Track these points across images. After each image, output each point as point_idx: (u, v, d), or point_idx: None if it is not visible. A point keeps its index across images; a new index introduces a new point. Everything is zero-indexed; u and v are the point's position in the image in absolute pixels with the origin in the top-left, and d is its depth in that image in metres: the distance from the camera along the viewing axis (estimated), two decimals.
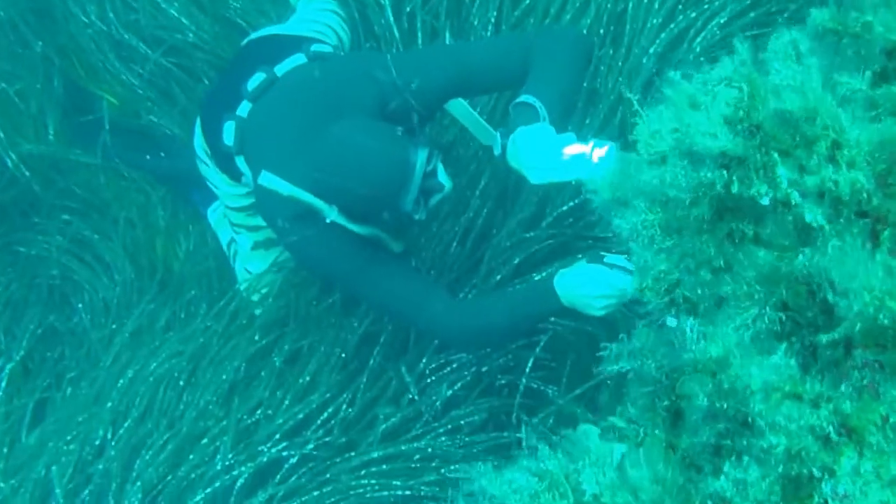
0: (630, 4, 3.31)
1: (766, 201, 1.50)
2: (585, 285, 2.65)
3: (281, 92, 3.02)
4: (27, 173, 3.80)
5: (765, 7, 3.24)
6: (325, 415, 3.18)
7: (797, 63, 1.51)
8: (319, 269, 3.14)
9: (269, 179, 2.86)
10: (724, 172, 1.51)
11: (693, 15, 3.25)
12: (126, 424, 3.25)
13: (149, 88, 3.86)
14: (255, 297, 3.42)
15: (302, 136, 2.86)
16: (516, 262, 3.25)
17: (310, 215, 2.83)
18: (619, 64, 3.27)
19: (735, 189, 1.51)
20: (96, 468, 3.17)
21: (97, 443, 3.23)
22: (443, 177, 2.83)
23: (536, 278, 3.18)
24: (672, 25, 3.27)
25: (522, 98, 2.71)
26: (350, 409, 3.18)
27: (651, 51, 3.26)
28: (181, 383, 3.31)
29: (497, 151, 2.77)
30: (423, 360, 3.20)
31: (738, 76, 1.51)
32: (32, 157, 3.82)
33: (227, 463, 3.08)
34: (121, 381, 3.32)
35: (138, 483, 3.10)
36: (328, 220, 2.79)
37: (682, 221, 1.59)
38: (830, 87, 1.58)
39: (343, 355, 3.26)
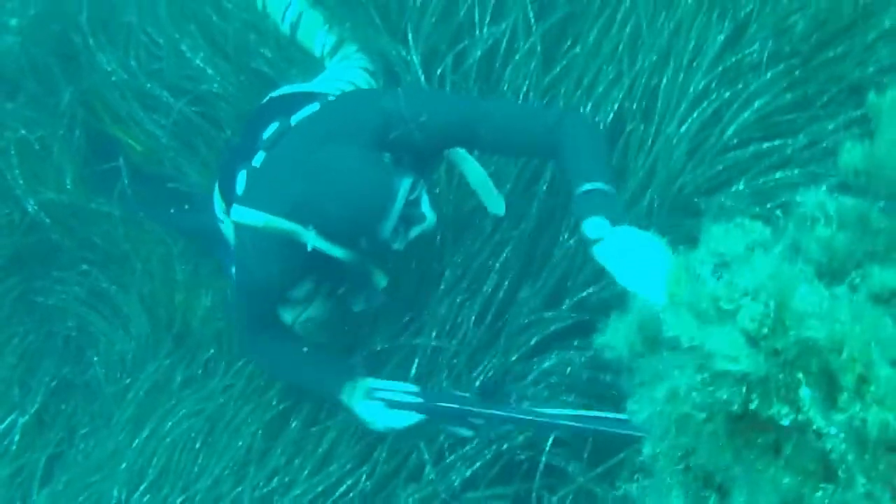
0: (665, 79, 3.26)
1: (786, 422, 1.43)
2: (361, 414, 2.92)
3: (290, 137, 3.00)
4: (47, 220, 3.78)
5: (801, 89, 3.19)
6: (344, 487, 3.14)
7: (825, 288, 1.44)
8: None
9: (241, 213, 2.86)
10: (743, 389, 1.44)
11: (727, 95, 3.20)
12: (142, 487, 3.23)
13: (172, 138, 3.82)
14: None
15: (292, 165, 2.85)
16: (533, 342, 3.21)
17: (287, 246, 2.82)
18: (650, 142, 3.22)
19: (754, 407, 1.44)
20: None
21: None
22: (426, 208, 2.84)
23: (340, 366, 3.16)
24: (705, 104, 3.21)
25: (597, 186, 2.66)
26: (368, 483, 3.14)
27: (683, 130, 3.20)
28: (197, 445, 3.29)
29: (500, 213, 2.93)
30: (442, 437, 3.15)
31: (765, 291, 1.43)
32: (53, 205, 3.80)
33: None
34: (136, 440, 3.30)
35: None
36: (309, 248, 2.77)
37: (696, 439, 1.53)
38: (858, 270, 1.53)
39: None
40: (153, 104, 3.85)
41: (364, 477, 3.15)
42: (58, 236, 3.81)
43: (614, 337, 1.80)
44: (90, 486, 3.24)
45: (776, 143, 3.16)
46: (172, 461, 3.24)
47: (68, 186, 3.80)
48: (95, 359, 3.64)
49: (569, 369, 3.13)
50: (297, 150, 2.92)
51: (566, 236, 3.23)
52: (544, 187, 3.28)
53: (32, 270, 3.84)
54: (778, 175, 3.12)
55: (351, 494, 3.14)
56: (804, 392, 1.40)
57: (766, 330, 1.40)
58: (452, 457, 3.10)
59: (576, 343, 3.16)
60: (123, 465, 3.26)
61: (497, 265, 3.28)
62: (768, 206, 3.02)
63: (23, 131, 3.79)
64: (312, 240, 2.76)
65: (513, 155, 3.26)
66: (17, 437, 3.48)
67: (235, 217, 2.87)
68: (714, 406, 1.44)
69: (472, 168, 3.13)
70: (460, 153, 3.12)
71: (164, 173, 3.84)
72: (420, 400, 2.89)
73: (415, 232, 2.86)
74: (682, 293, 1.59)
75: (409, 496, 3.05)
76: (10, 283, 3.79)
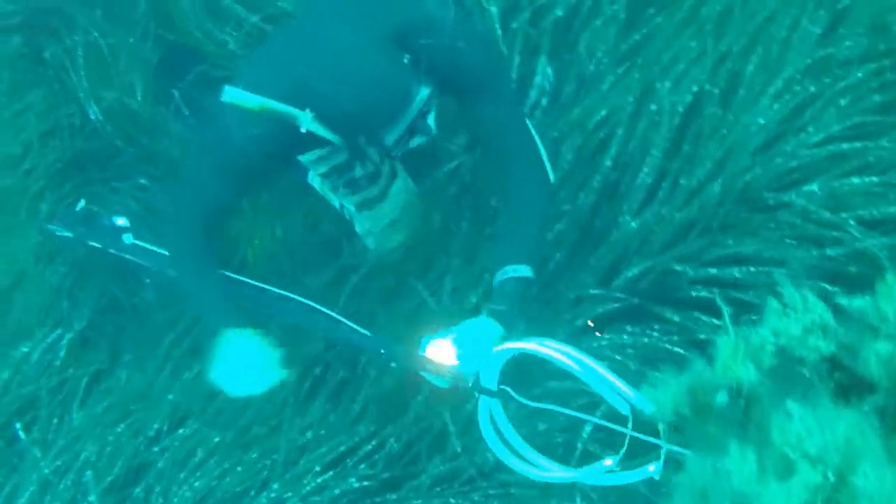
0: (750, 65, 3.12)
1: None
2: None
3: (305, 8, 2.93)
4: (108, 127, 3.75)
5: (891, 92, 3.03)
6: (371, 447, 3.15)
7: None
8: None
9: (233, 94, 2.56)
10: None
11: (812, 90, 3.06)
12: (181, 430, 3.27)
13: (241, 46, 3.70)
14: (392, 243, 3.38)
15: (301, 42, 2.68)
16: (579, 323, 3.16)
17: (279, 130, 2.61)
18: (725, 130, 3.11)
19: None
20: (153, 463, 3.19)
21: (151, 434, 3.24)
22: (432, 121, 2.72)
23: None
24: (788, 97, 3.08)
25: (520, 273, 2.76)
26: (396, 444, 3.15)
27: (762, 121, 3.08)
28: None
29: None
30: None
31: (829, 459, 1.36)
32: (116, 112, 3.74)
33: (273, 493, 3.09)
34: (185, 374, 3.31)
35: (186, 491, 3.11)
36: (303, 130, 2.54)
37: None
38: None
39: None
40: (225, 17, 3.76)
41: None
42: (120, 143, 3.76)
43: (664, 394, 1.77)
44: (130, 415, 3.27)
45: (857, 145, 3.02)
46: (214, 401, 3.25)
47: (138, 98, 3.74)
48: (147, 281, 3.59)
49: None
50: (308, 24, 2.76)
51: (627, 218, 3.15)
52: (608, 162, 3.19)
53: (90, 176, 3.80)
54: (855, 180, 3.00)
55: (377, 456, 3.15)
56: None
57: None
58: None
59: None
60: (170, 397, 3.28)
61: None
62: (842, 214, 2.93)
63: (95, 33, 3.74)
64: (308, 123, 2.54)
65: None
66: (62, 353, 3.49)
67: (226, 97, 2.56)
68: None
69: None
70: None
71: None
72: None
73: (416, 142, 2.73)
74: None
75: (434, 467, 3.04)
76: (66, 188, 3.77)
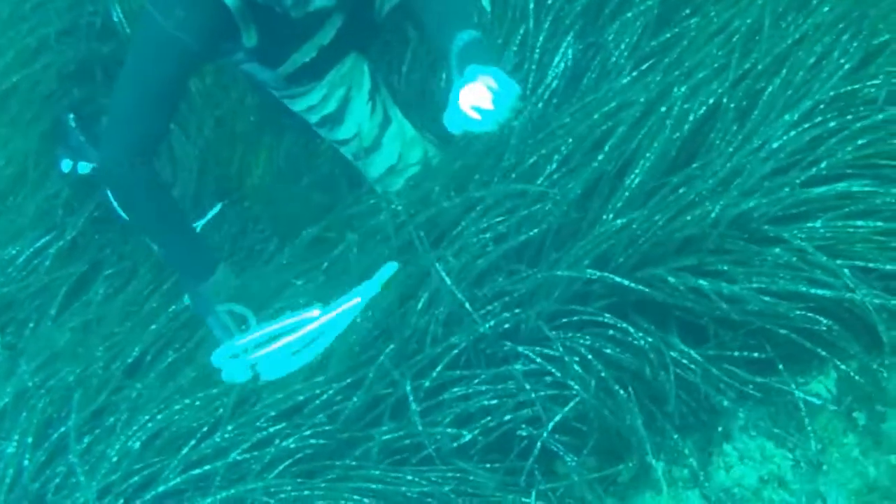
0: (770, 87, 3.01)
1: None
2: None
3: None
4: (127, 30, 3.68)
5: None
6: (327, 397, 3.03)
7: None
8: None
9: None
10: None
11: (832, 125, 2.94)
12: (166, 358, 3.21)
13: None
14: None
15: None
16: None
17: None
18: (731, 149, 3.00)
19: None
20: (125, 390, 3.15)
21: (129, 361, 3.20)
22: None
23: None
24: (807, 125, 2.96)
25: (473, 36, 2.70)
26: (356, 401, 3.04)
27: (775, 145, 2.96)
28: None
29: None
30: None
31: None
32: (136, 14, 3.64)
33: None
34: (172, 307, 3.26)
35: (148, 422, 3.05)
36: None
37: None
38: None
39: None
40: None
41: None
42: None
43: None
44: (111, 337, 3.24)
45: (867, 188, 2.91)
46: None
47: None
48: None
49: None
50: None
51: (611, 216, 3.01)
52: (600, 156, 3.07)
53: (97, 83, 3.76)
54: (859, 223, 2.90)
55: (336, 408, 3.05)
56: None
57: None
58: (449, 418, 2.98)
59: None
60: (153, 327, 3.23)
61: None
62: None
63: None
64: None
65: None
66: (47, 262, 3.47)
67: None
68: None
69: None
70: None
71: None
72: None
73: (316, 3, 2.76)
74: None
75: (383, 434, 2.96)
76: (72, 96, 3.74)
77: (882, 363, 2.92)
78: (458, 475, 2.93)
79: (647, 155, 2.97)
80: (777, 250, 2.91)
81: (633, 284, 2.93)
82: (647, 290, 2.93)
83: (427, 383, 2.94)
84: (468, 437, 2.91)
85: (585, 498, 2.93)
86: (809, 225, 2.93)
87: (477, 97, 2.51)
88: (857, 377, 2.93)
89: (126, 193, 3.01)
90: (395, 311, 2.98)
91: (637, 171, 2.97)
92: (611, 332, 2.97)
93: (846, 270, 2.85)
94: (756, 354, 2.99)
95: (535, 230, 2.98)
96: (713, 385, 2.96)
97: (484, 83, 2.51)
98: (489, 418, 2.93)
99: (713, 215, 2.92)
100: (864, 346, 2.94)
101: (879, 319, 2.83)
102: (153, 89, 2.86)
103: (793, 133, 2.94)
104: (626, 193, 2.97)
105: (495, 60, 2.65)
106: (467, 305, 2.92)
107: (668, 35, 3.16)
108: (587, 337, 2.96)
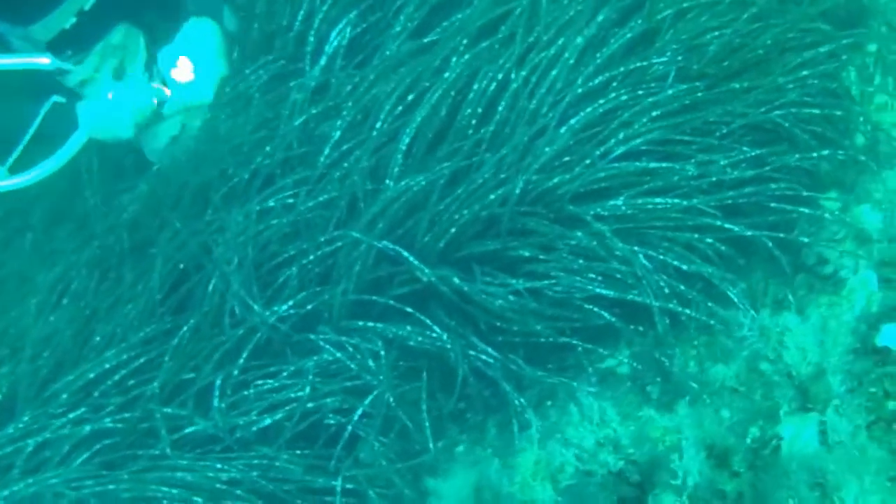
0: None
1: None
2: None
3: None
4: None
5: (701, 113, 2.89)
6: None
7: None
8: None
9: None
10: None
11: (624, 98, 2.86)
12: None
13: None
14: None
15: None
16: None
17: None
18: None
19: None
20: None
21: None
22: None
23: None
24: (602, 100, 2.85)
25: None
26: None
27: (574, 122, 2.84)
28: None
29: None
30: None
31: None
32: None
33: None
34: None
35: None
36: None
37: None
38: None
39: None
40: None
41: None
42: None
43: None
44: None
45: (664, 164, 2.84)
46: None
47: None
48: None
49: None
50: None
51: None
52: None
53: None
54: (658, 201, 2.81)
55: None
56: None
57: None
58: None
59: None
60: None
61: None
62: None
63: None
64: None
65: None
66: None
67: None
68: None
69: None
70: None
71: None
72: None
73: None
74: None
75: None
76: None
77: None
78: (264, 461, 2.80)
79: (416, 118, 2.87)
80: (579, 234, 2.78)
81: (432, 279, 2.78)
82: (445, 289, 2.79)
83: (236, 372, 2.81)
84: (268, 421, 2.79)
85: (392, 480, 2.82)
86: (611, 203, 2.80)
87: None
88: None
89: None
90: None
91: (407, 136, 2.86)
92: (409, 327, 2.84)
93: (641, 257, 2.77)
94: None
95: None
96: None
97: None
98: (294, 405, 2.79)
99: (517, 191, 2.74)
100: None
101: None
102: None
103: (589, 108, 2.83)
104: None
105: None
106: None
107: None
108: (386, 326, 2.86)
